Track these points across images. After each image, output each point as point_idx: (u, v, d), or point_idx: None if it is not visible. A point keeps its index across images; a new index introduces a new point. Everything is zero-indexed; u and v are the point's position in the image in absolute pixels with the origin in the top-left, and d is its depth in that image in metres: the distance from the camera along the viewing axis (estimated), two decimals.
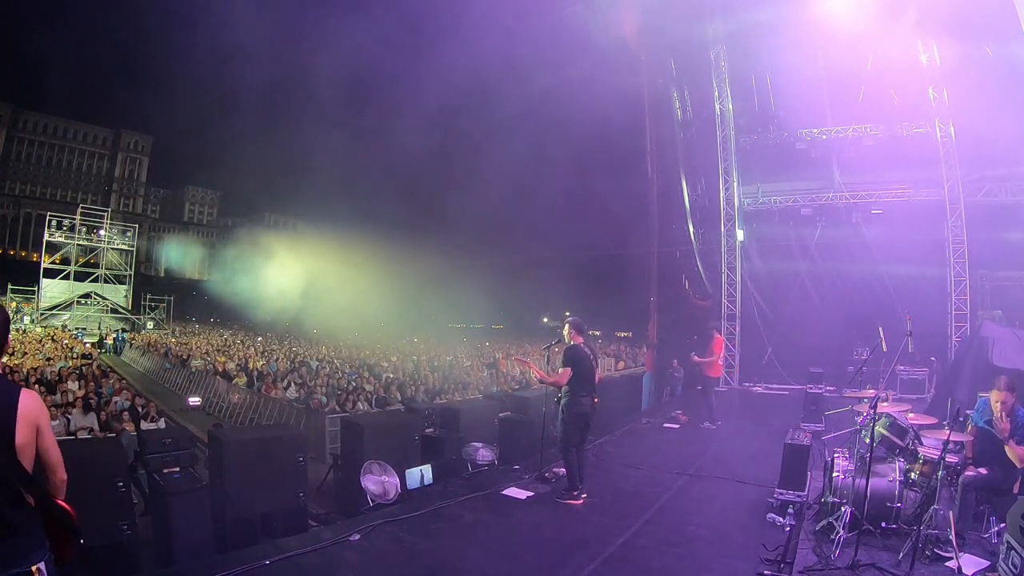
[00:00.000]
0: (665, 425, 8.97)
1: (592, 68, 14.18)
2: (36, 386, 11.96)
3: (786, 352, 13.69)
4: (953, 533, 3.66)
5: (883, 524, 4.08)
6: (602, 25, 13.04)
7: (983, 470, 4.03)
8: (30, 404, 2.11)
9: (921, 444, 4.41)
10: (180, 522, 4.81)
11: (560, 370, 5.31)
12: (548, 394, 5.98)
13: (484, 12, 13.20)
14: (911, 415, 4.67)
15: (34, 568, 2.01)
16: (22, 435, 2.05)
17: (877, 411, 4.16)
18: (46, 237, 38.48)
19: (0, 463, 1.98)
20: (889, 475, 4.18)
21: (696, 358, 9.14)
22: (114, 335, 31.56)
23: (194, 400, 14.83)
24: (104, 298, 40.05)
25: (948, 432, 3.95)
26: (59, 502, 2.18)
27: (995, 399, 4.01)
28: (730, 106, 14.15)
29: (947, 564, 3.63)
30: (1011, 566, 3.16)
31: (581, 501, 5.17)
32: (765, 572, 3.74)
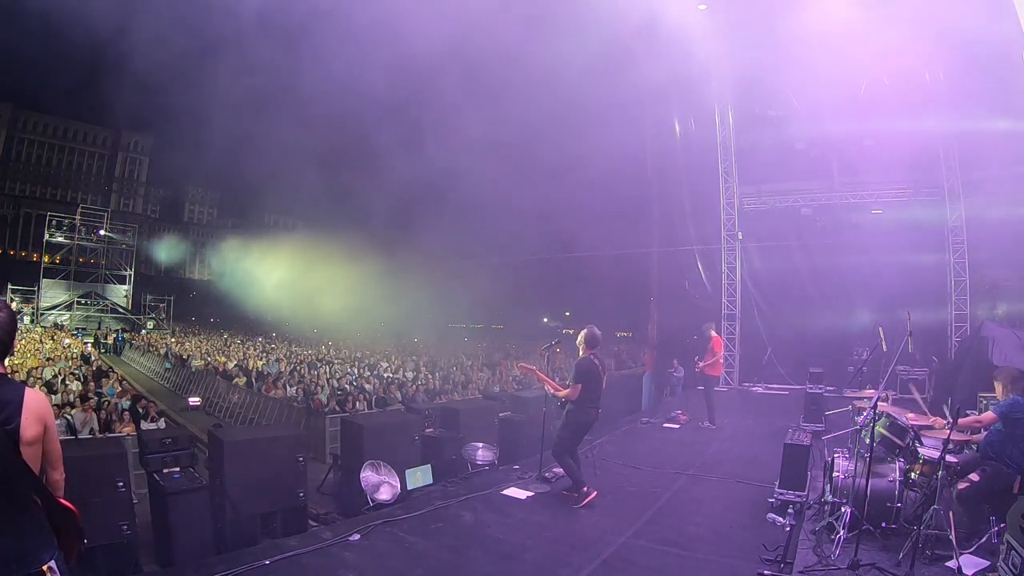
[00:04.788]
0: (665, 425, 8.96)
1: (591, 67, 14.16)
2: (37, 385, 11.97)
3: (786, 352, 13.69)
4: (953, 533, 3.66)
5: (883, 524, 4.08)
6: (600, 24, 13.03)
7: (975, 477, 4.04)
8: (36, 403, 2.11)
9: (921, 444, 4.41)
10: (180, 522, 4.81)
11: (570, 384, 5.28)
12: (548, 395, 5.97)
13: (479, 10, 13.17)
14: (911, 415, 4.67)
15: (45, 567, 2.02)
16: (30, 434, 2.06)
17: (877, 411, 4.16)
18: (46, 237, 38.46)
19: (7, 464, 1.98)
20: (889, 475, 4.18)
21: (700, 363, 9.09)
22: (114, 335, 31.57)
23: (194, 400, 14.85)
24: (104, 298, 40.05)
25: (948, 432, 3.95)
26: (62, 502, 2.17)
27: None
28: (730, 107, 14.14)
29: (947, 564, 3.63)
30: (1011, 566, 3.15)
31: (595, 494, 5.13)
32: (765, 572, 3.74)
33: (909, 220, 12.50)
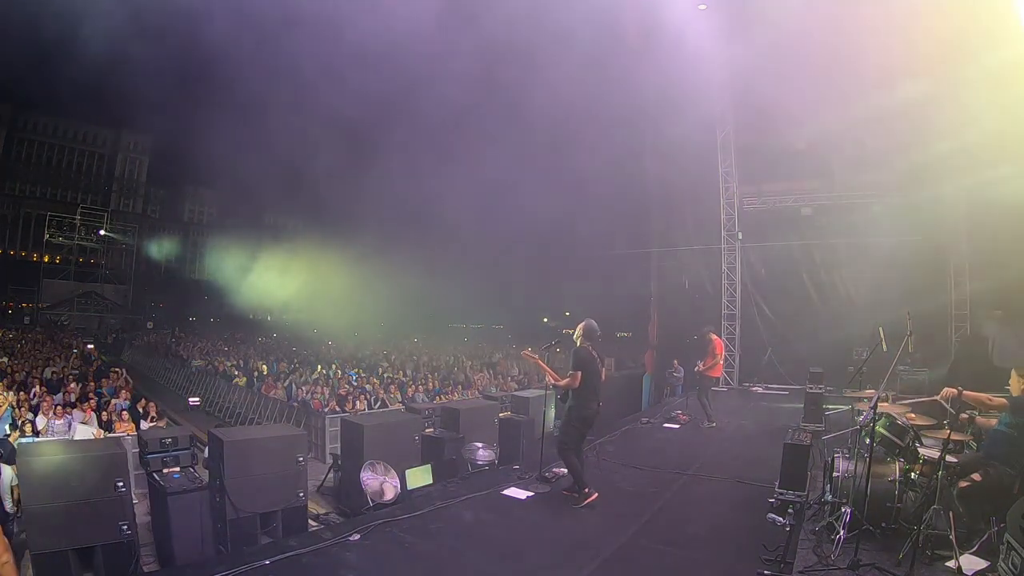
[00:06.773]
0: (665, 425, 8.97)
1: (592, 67, 14.16)
2: (37, 385, 11.96)
3: (786, 352, 13.69)
4: (953, 533, 3.66)
5: (883, 524, 4.08)
6: (601, 24, 13.03)
7: (976, 476, 4.03)
8: None
9: (921, 444, 4.41)
10: (180, 522, 4.82)
11: (570, 372, 5.23)
12: (548, 394, 5.97)
13: (480, 10, 13.18)
14: (911, 415, 4.67)
15: None
16: None
17: (877, 411, 4.16)
18: (46, 237, 38.53)
19: None
20: (889, 475, 4.18)
21: (701, 366, 9.08)
22: (114, 335, 31.59)
23: (194, 400, 14.84)
24: (104, 298, 40.08)
25: (948, 432, 3.95)
26: None
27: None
28: (730, 107, 14.14)
29: (947, 564, 3.63)
30: (1011, 566, 3.15)
31: (595, 496, 5.11)
32: (765, 572, 3.74)
33: (909, 219, 12.50)
